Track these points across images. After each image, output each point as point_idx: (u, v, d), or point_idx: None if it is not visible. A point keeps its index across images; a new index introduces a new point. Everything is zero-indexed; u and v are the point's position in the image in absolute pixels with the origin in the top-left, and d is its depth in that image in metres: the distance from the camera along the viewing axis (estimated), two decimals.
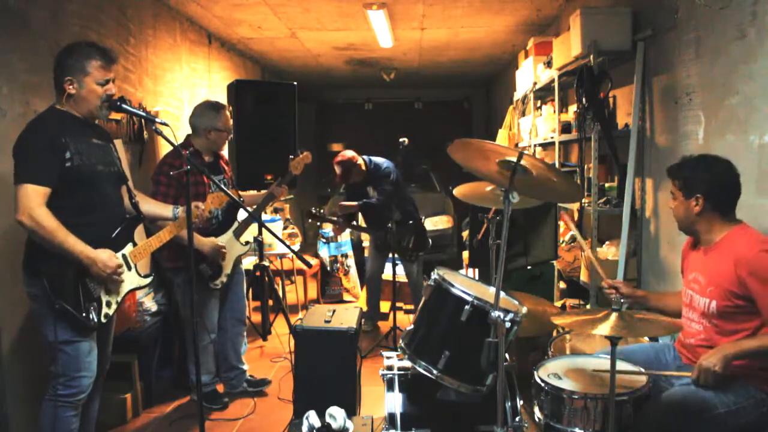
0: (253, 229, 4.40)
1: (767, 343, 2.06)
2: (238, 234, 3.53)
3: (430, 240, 4.94)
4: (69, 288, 2.33)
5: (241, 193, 3.74)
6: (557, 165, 4.56)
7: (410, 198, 4.94)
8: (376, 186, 4.66)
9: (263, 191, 3.83)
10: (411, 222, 4.75)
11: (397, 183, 4.68)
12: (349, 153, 4.71)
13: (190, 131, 3.53)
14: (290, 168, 3.73)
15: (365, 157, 4.76)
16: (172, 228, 2.72)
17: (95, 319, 2.40)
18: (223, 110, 3.48)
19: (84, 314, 2.36)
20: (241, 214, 3.68)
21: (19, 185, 2.27)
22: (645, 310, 2.51)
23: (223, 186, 3.43)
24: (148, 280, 2.65)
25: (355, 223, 5.04)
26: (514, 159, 2.03)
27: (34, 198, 2.25)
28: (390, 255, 4.61)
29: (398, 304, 4.90)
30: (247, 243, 3.60)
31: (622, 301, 2.48)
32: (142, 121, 4.25)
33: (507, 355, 2.39)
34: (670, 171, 2.35)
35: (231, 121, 3.56)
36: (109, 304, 2.47)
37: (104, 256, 2.38)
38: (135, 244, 2.58)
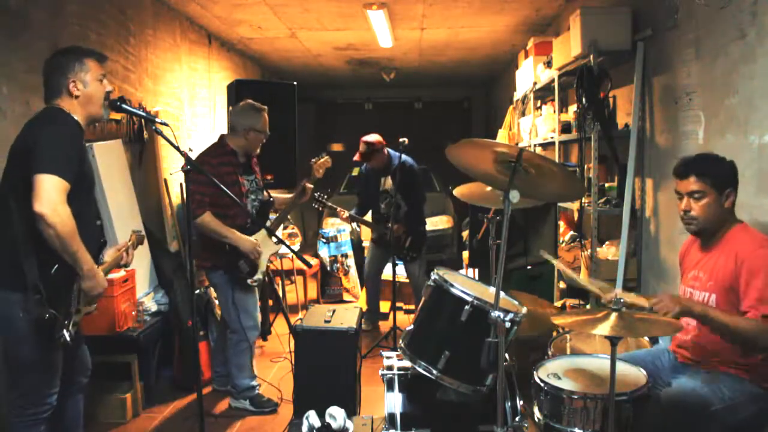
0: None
1: (726, 320, 2.04)
2: (270, 232, 3.54)
3: (426, 241, 4.93)
4: (60, 300, 2.21)
5: (272, 192, 3.78)
6: None
7: (424, 197, 4.97)
8: (401, 180, 4.63)
9: (290, 195, 3.87)
10: (411, 221, 4.75)
11: (421, 182, 4.84)
12: (377, 137, 4.72)
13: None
14: (314, 172, 3.75)
15: (391, 150, 4.76)
16: (112, 261, 2.52)
17: (67, 338, 2.23)
18: (263, 112, 3.51)
19: (64, 331, 2.21)
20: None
21: (45, 174, 2.07)
22: None
23: (257, 186, 3.54)
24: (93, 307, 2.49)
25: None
26: (513, 155, 2.03)
27: (60, 192, 2.09)
28: (390, 254, 4.60)
29: (398, 304, 4.90)
30: (278, 242, 3.61)
31: None
32: (142, 121, 4.25)
33: (507, 355, 2.39)
34: (693, 168, 2.24)
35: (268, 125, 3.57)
36: (75, 324, 2.31)
37: (101, 275, 2.29)
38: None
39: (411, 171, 4.72)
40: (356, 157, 4.73)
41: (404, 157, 4.72)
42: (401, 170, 4.53)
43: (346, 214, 4.60)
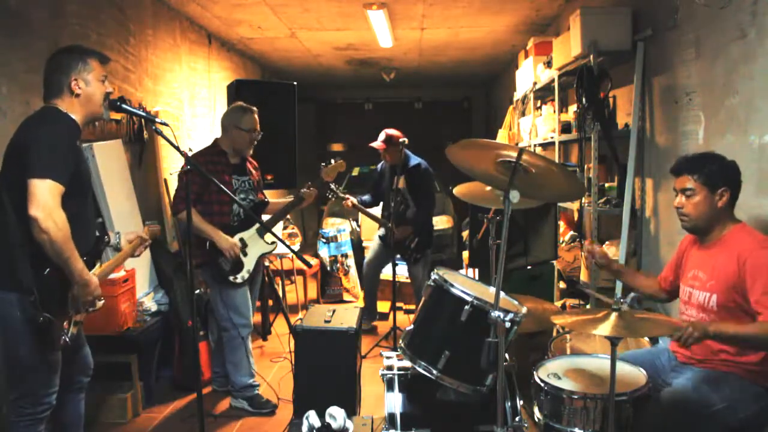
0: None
1: (743, 330, 2.06)
2: (262, 232, 3.54)
3: (432, 243, 4.93)
4: (55, 302, 2.19)
5: (267, 194, 3.76)
6: None
7: (434, 200, 4.95)
8: (411, 181, 4.64)
9: (287, 198, 3.83)
10: (418, 223, 4.75)
11: (431, 185, 4.83)
12: (398, 133, 4.68)
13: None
14: (321, 175, 3.73)
15: (409, 152, 4.76)
16: (123, 255, 2.54)
17: (66, 338, 2.24)
18: (249, 112, 3.50)
19: (64, 332, 2.22)
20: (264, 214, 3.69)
21: (40, 179, 2.06)
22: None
23: (250, 186, 3.53)
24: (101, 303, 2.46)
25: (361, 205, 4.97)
26: (514, 156, 2.03)
27: (56, 197, 2.08)
28: (392, 255, 4.60)
29: (398, 304, 4.90)
30: (273, 242, 3.59)
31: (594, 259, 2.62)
32: (142, 121, 4.25)
33: (507, 355, 2.39)
34: (686, 166, 2.27)
35: (257, 125, 3.53)
36: (76, 324, 2.31)
37: (96, 282, 2.26)
38: (99, 265, 2.44)
39: (424, 173, 4.74)
40: (377, 146, 4.71)
41: (420, 159, 4.77)
42: (415, 171, 4.55)
43: (353, 200, 4.60)
